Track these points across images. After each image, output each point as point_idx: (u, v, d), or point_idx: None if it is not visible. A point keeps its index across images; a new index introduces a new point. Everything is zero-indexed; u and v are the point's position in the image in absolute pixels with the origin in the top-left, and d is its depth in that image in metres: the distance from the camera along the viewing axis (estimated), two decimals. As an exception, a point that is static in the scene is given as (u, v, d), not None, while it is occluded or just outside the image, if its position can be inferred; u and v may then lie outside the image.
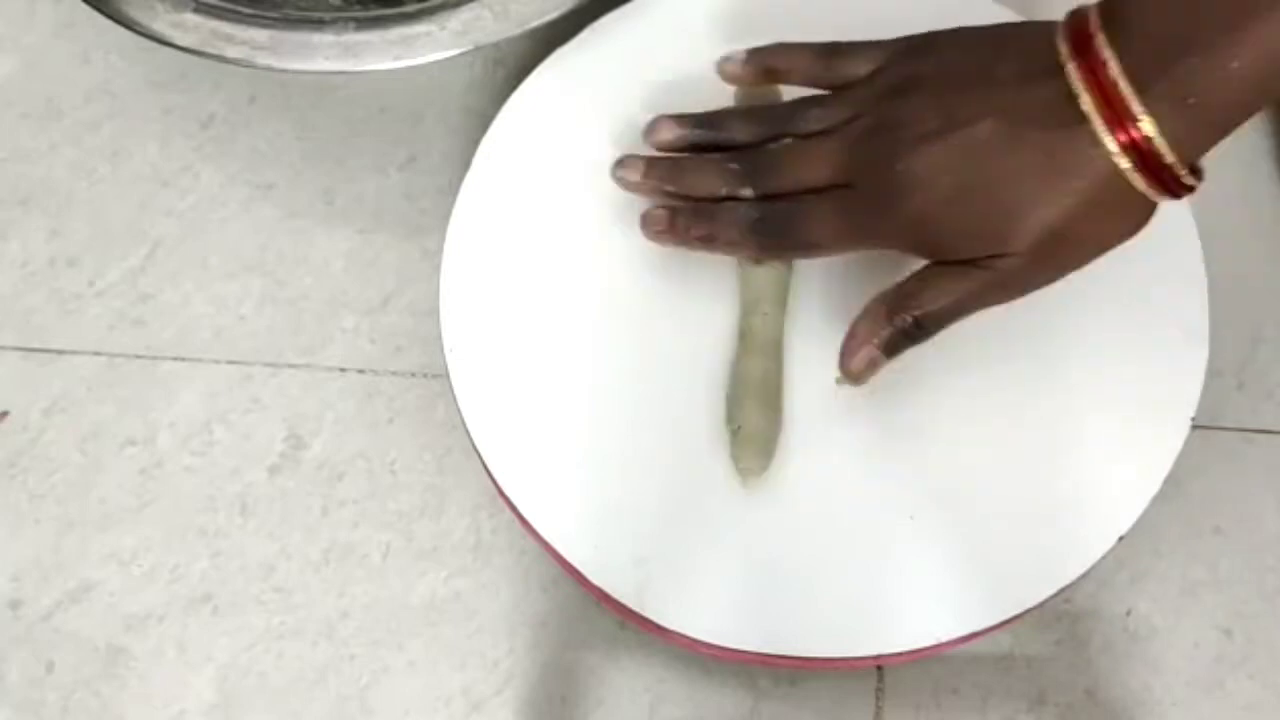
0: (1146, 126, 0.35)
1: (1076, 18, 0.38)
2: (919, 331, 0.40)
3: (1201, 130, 0.36)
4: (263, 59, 0.47)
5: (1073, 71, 0.37)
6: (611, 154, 0.48)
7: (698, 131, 0.45)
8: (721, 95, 0.49)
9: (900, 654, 0.41)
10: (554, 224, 0.47)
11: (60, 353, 0.51)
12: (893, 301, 0.40)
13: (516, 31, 0.47)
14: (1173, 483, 0.42)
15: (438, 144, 0.54)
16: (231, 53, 0.47)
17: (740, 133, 0.44)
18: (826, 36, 0.49)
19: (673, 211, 0.44)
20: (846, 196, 0.41)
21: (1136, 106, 0.35)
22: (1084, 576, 0.41)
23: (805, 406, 0.44)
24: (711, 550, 0.42)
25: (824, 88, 0.44)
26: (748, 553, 0.42)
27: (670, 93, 0.49)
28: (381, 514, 0.48)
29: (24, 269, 0.53)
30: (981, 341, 0.44)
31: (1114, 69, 0.36)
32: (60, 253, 0.53)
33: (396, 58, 0.47)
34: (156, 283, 0.52)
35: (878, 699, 0.45)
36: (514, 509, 0.43)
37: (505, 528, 0.48)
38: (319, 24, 0.47)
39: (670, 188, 0.44)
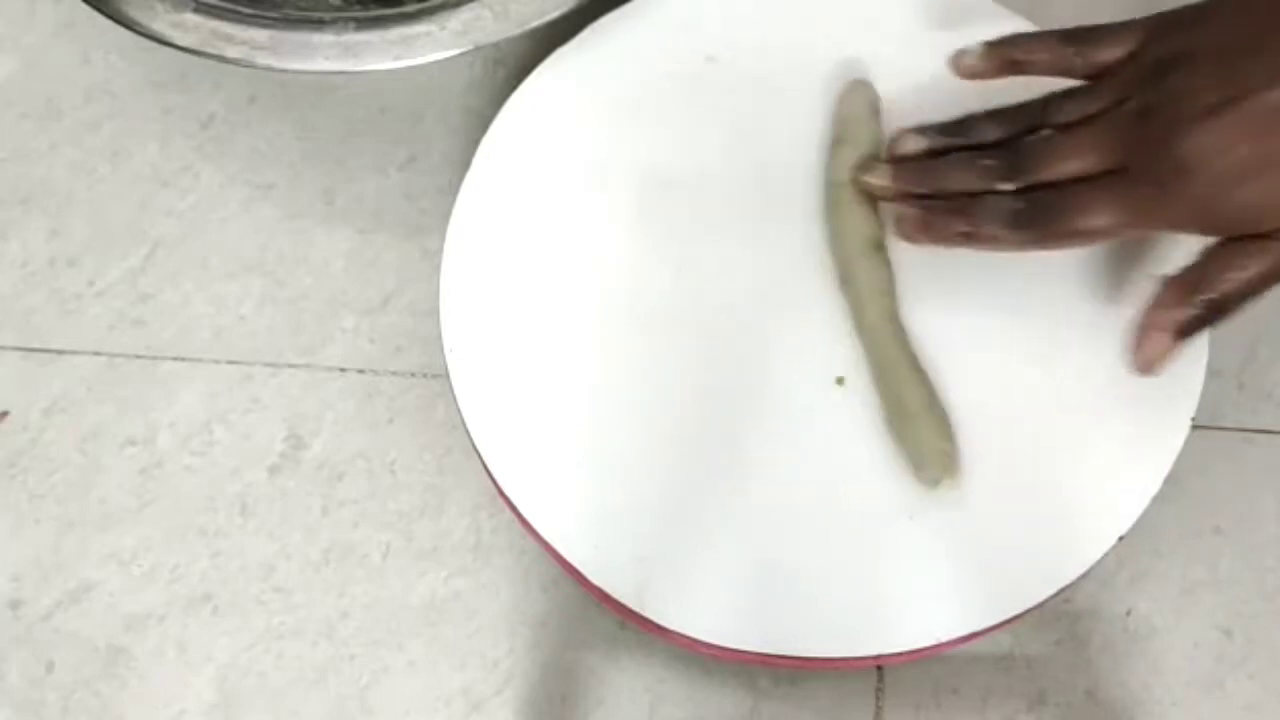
0: None
1: None
2: (1217, 314, 0.39)
3: None
4: (263, 59, 0.47)
5: None
6: (611, 154, 0.48)
7: (944, 139, 0.43)
8: (721, 94, 0.49)
9: (900, 654, 0.41)
10: (554, 224, 0.47)
11: (60, 353, 0.51)
12: (1186, 284, 0.39)
13: (516, 31, 0.47)
14: (1173, 483, 0.42)
15: (438, 144, 0.54)
16: (231, 53, 0.47)
17: (990, 134, 0.42)
18: (825, 38, 0.49)
19: (928, 208, 0.42)
20: (1122, 180, 0.39)
21: None
22: (1084, 576, 0.41)
23: (805, 406, 0.44)
24: (711, 550, 0.42)
25: (1074, 77, 0.42)
26: (748, 553, 0.42)
27: (670, 92, 0.49)
28: (381, 514, 0.48)
29: (24, 269, 0.53)
30: (982, 342, 0.44)
31: None
32: (60, 253, 0.53)
33: (396, 58, 0.47)
34: (156, 283, 0.52)
35: (878, 699, 0.45)
36: (514, 509, 0.43)
37: (505, 528, 0.48)
38: (319, 24, 0.47)
39: (922, 189, 0.43)
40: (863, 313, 0.44)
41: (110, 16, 0.47)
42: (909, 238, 0.43)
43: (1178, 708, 0.45)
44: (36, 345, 0.51)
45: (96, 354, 0.51)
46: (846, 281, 0.45)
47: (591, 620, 0.46)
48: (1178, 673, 0.46)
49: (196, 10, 0.47)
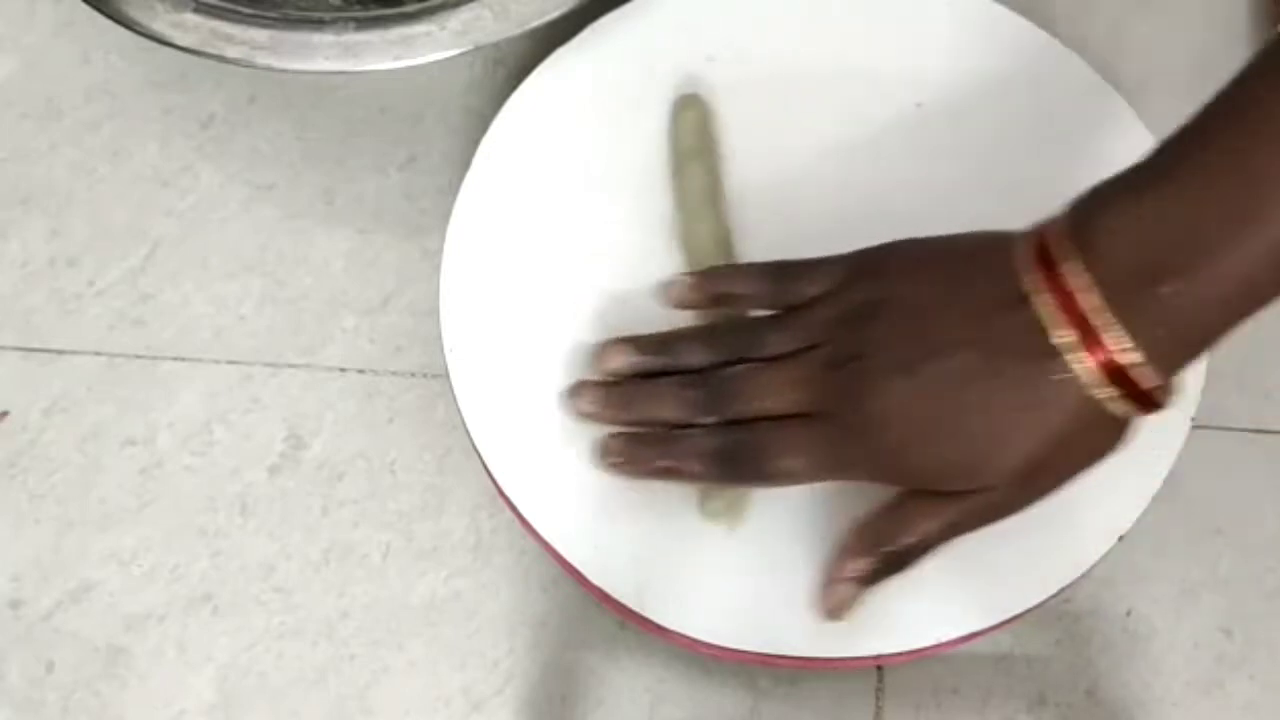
0: (1128, 355, 0.35)
1: (1039, 244, 0.36)
2: (898, 564, 0.39)
3: (1181, 350, 0.35)
4: (262, 59, 0.47)
5: (1043, 303, 0.36)
6: (611, 154, 0.48)
7: (649, 358, 0.43)
8: (722, 93, 0.49)
9: (900, 654, 0.41)
10: (554, 224, 0.47)
11: (60, 353, 0.51)
12: (871, 536, 0.39)
13: (516, 31, 0.47)
14: (1173, 483, 0.42)
15: (438, 144, 0.54)
16: (231, 53, 0.47)
17: (694, 357, 0.42)
18: (826, 34, 0.49)
19: (631, 442, 0.42)
20: (815, 427, 0.39)
21: (1116, 336, 0.34)
22: (1084, 576, 0.41)
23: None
24: (711, 550, 0.42)
25: (778, 309, 0.42)
26: (748, 553, 0.42)
27: (670, 92, 0.49)
28: (381, 514, 0.48)
29: (24, 269, 0.53)
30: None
31: (1086, 301, 0.35)
32: (60, 253, 0.53)
33: (396, 58, 0.47)
34: (156, 283, 0.52)
35: (878, 699, 0.45)
36: (514, 509, 0.43)
37: (505, 528, 0.48)
38: (319, 24, 0.47)
39: (626, 416, 0.43)
40: None
41: (110, 16, 0.47)
42: (611, 470, 0.43)
43: (1178, 708, 0.45)
44: (36, 345, 0.51)
45: (96, 354, 0.51)
46: None
47: (591, 620, 0.46)
48: (1178, 673, 0.46)
49: (196, 10, 0.47)
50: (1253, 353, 0.50)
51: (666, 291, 0.44)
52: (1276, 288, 0.34)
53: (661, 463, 0.42)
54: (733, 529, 0.42)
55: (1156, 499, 0.42)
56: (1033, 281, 0.36)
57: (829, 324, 0.40)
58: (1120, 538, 0.42)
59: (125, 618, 0.47)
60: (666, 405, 0.42)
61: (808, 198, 0.47)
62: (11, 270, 0.53)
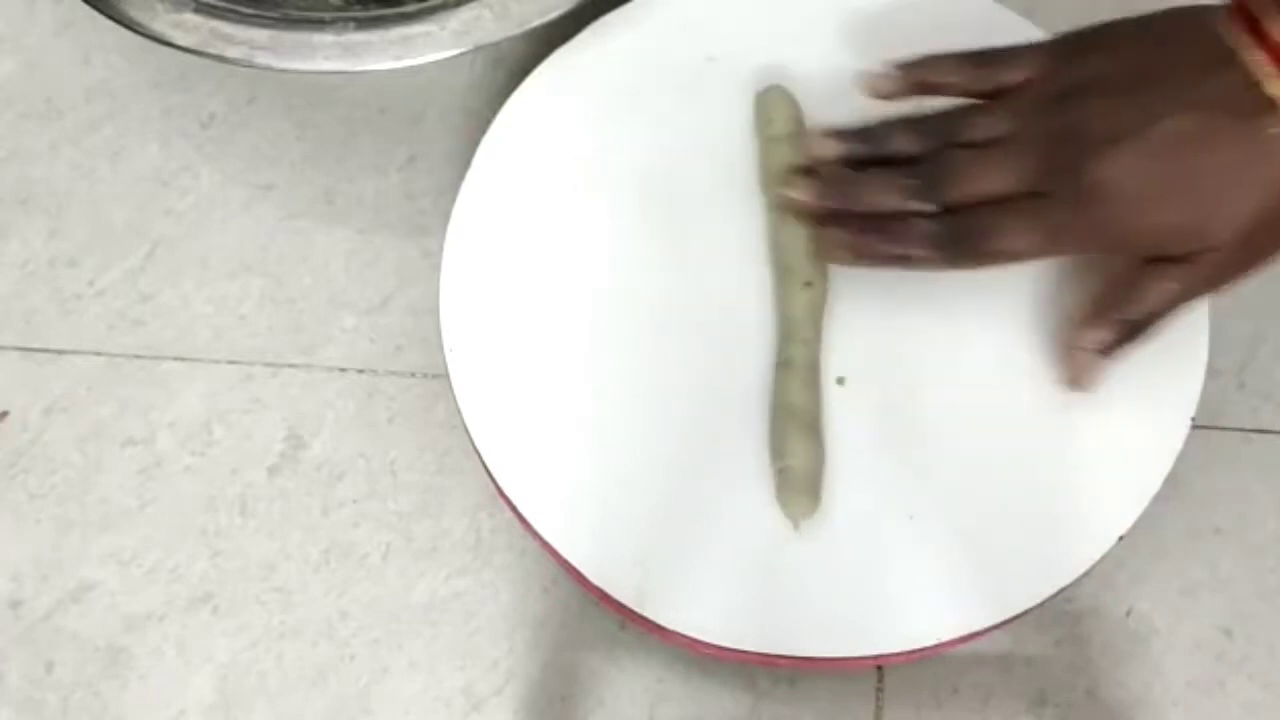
0: None
1: (1237, 5, 0.38)
2: (1135, 332, 0.40)
3: None
4: (262, 59, 0.47)
5: (1253, 59, 0.37)
6: (612, 154, 0.48)
7: (859, 145, 0.43)
8: (722, 92, 0.49)
9: (900, 654, 0.41)
10: (554, 224, 0.47)
11: (60, 353, 0.51)
12: (1105, 304, 0.40)
13: (516, 31, 0.47)
14: (1173, 483, 0.42)
15: (438, 144, 0.54)
16: (231, 53, 0.47)
17: (905, 144, 0.43)
18: (825, 37, 0.49)
19: (855, 230, 0.42)
20: (1039, 204, 0.40)
21: None
22: (1084, 576, 0.41)
23: (805, 406, 0.44)
24: (711, 550, 0.42)
25: (982, 97, 0.43)
26: (747, 553, 0.42)
27: (670, 93, 0.49)
28: (381, 514, 0.48)
29: (24, 269, 0.53)
30: (982, 342, 0.44)
31: None
32: (60, 253, 0.53)
33: (396, 58, 0.47)
34: (156, 283, 0.52)
35: (878, 699, 0.45)
36: (514, 509, 0.43)
37: (505, 528, 0.48)
38: (319, 24, 0.47)
39: (842, 206, 0.43)
40: (786, 345, 0.44)
41: (110, 16, 0.47)
42: (833, 259, 0.43)
43: (1178, 708, 0.45)
44: (36, 345, 0.51)
45: (96, 354, 0.51)
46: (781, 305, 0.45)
47: (591, 620, 0.46)
48: (1178, 673, 0.46)
49: (196, 10, 0.47)
50: (1253, 353, 0.50)
51: (867, 83, 0.44)
52: None
53: (885, 248, 0.42)
54: (798, 525, 0.42)
55: (1156, 499, 0.42)
56: (1238, 39, 0.37)
57: (1040, 104, 0.41)
58: (1120, 538, 0.42)
59: (125, 618, 0.47)
60: (887, 193, 0.42)
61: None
62: (11, 270, 0.53)
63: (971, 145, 0.41)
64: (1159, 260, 0.40)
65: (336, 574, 0.48)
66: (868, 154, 0.43)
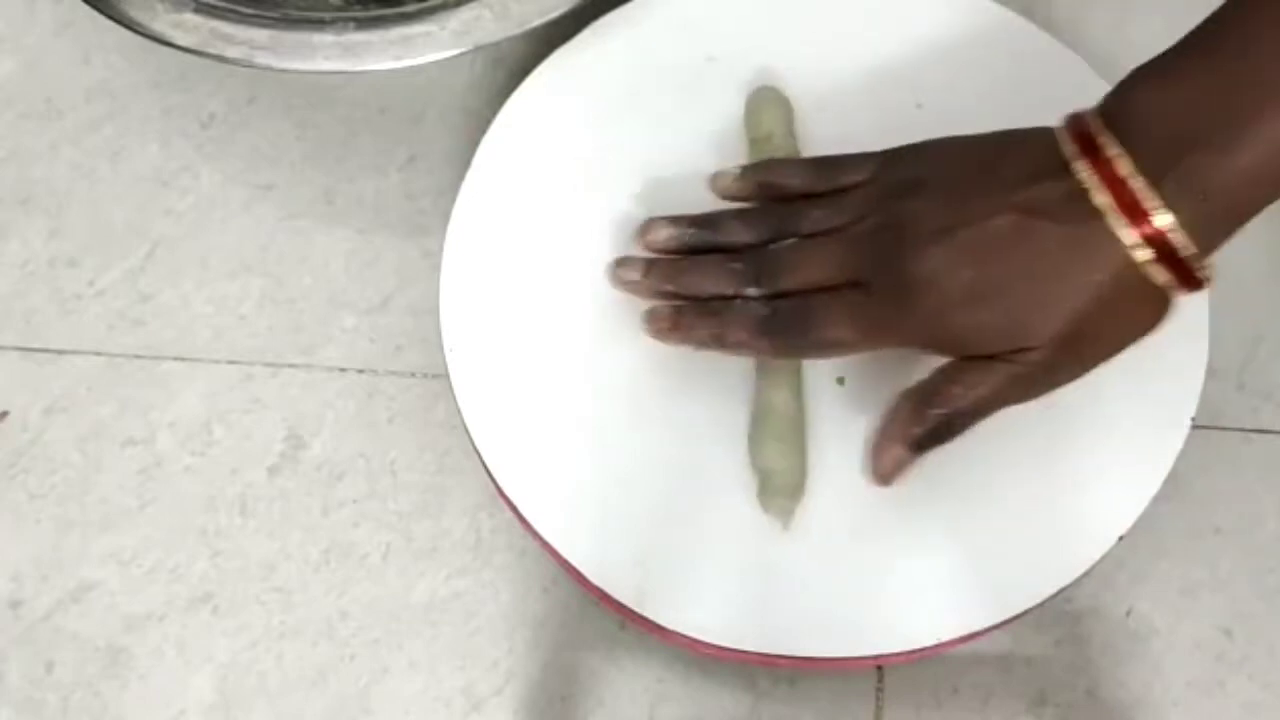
0: (1163, 219, 0.36)
1: (1076, 121, 0.38)
2: (947, 430, 0.40)
3: (1218, 222, 0.36)
4: (262, 59, 0.47)
5: (1082, 169, 0.37)
6: (612, 154, 0.48)
7: (694, 232, 0.44)
8: (722, 92, 0.49)
9: (900, 654, 0.41)
10: (554, 224, 0.47)
11: (60, 353, 0.51)
12: (918, 401, 0.40)
13: (516, 31, 0.47)
14: (1173, 483, 0.42)
15: (438, 144, 0.54)
16: (231, 53, 0.47)
17: (740, 234, 0.44)
18: (825, 37, 0.49)
19: (678, 310, 0.43)
20: (860, 294, 0.40)
21: (1152, 201, 0.36)
22: (1084, 576, 0.41)
23: (806, 405, 0.44)
24: (711, 550, 0.42)
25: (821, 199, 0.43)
26: (748, 553, 0.42)
27: (670, 93, 0.49)
28: (381, 514, 0.48)
29: (24, 269, 0.53)
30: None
31: (1124, 166, 0.36)
32: (60, 253, 0.53)
33: (396, 58, 0.47)
34: (156, 283, 0.52)
35: (878, 699, 0.45)
36: (514, 509, 0.43)
37: (505, 528, 0.48)
38: (319, 24, 0.47)
39: (671, 288, 0.44)
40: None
41: (110, 16, 0.47)
42: (658, 335, 0.44)
43: (1178, 708, 0.45)
44: (36, 345, 0.51)
45: (96, 354, 0.51)
46: None
47: (591, 620, 0.46)
48: (1178, 673, 0.46)
49: (196, 10, 0.47)
50: (1253, 353, 0.50)
51: (713, 182, 0.45)
52: None
53: (708, 329, 0.42)
54: (785, 525, 0.42)
55: (1156, 499, 0.42)
56: (1073, 153, 0.37)
57: (870, 200, 0.41)
58: (1120, 538, 0.42)
59: (125, 618, 0.47)
60: (712, 277, 0.43)
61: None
62: (11, 270, 0.53)
63: (807, 235, 0.42)
64: (976, 359, 0.39)
65: (336, 574, 0.48)
66: (703, 242, 0.44)
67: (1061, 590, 0.41)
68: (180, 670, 0.46)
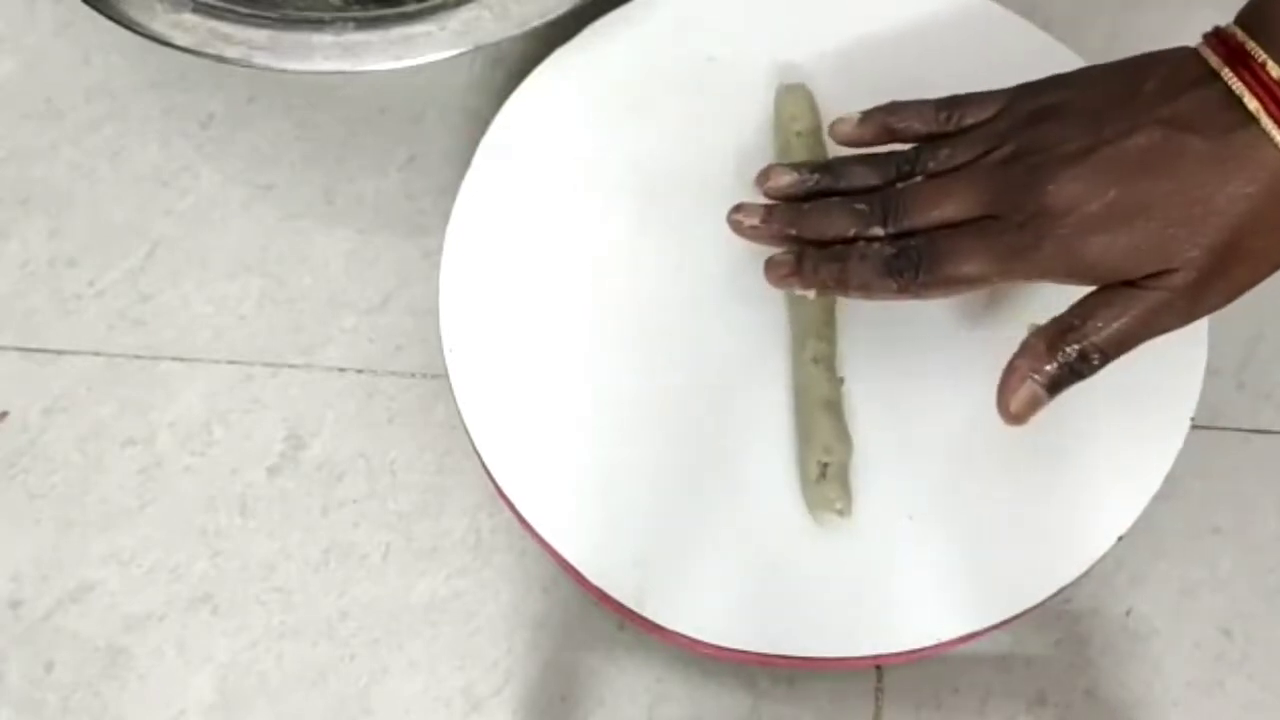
0: None
1: (1218, 33, 0.37)
2: (1085, 365, 0.38)
3: None
4: (261, 59, 0.47)
5: (1232, 76, 0.36)
6: (612, 154, 0.48)
7: (817, 176, 0.43)
8: (722, 93, 0.49)
9: (900, 654, 0.41)
10: (554, 224, 0.47)
11: (60, 353, 0.51)
12: (1054, 334, 0.38)
13: (516, 31, 0.47)
14: (1173, 483, 0.42)
15: (438, 144, 0.54)
16: (230, 53, 0.47)
17: (863, 178, 0.42)
18: (825, 37, 0.49)
19: (799, 255, 0.42)
20: (991, 226, 0.39)
21: None
22: (1084, 576, 0.41)
23: (805, 406, 0.44)
24: (711, 550, 0.42)
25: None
26: (748, 553, 0.42)
27: (670, 92, 0.49)
28: (381, 514, 0.48)
29: (24, 269, 0.53)
30: (982, 342, 0.44)
31: (1276, 70, 0.35)
32: (60, 253, 0.53)
33: (396, 58, 0.47)
34: (156, 283, 0.52)
35: (878, 699, 0.45)
36: (514, 509, 0.43)
37: (505, 528, 0.48)
38: (319, 24, 0.47)
39: (794, 231, 0.42)
40: (800, 349, 0.44)
41: (110, 16, 0.47)
42: (780, 283, 0.42)
43: (1178, 708, 0.45)
44: (36, 345, 0.51)
45: (96, 354, 0.51)
46: (791, 308, 0.45)
47: (591, 620, 0.46)
48: (1178, 673, 0.46)
49: (195, 10, 0.47)
50: (1253, 353, 0.50)
51: (832, 129, 0.44)
52: None
53: (829, 274, 0.41)
54: (843, 516, 0.41)
55: (1156, 499, 0.42)
56: (1219, 62, 0.36)
57: (1001, 132, 0.40)
58: (1120, 538, 0.42)
59: (125, 618, 0.47)
60: (836, 218, 0.41)
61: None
62: (11, 270, 0.53)
63: (930, 175, 0.41)
64: (1117, 286, 0.38)
65: (336, 574, 0.48)
66: (825, 187, 0.43)
67: (1061, 590, 0.41)
68: (180, 670, 0.46)
